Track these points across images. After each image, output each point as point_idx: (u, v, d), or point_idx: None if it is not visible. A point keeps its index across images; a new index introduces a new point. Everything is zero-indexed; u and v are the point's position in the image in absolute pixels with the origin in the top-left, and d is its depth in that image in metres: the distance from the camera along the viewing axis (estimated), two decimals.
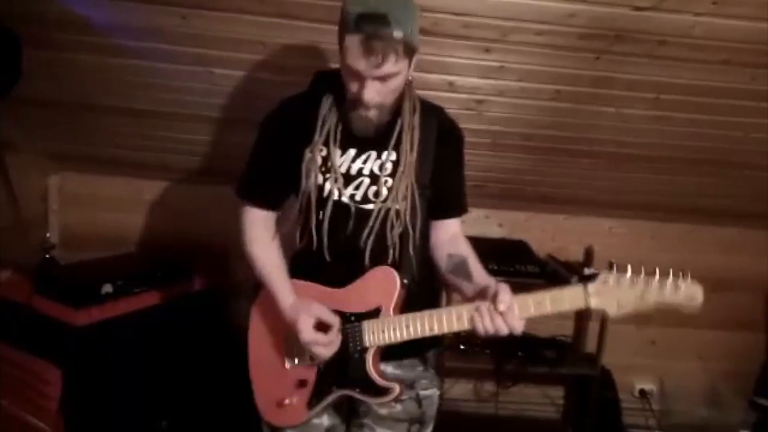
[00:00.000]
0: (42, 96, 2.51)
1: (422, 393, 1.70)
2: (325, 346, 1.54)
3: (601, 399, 3.05)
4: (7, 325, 2.42)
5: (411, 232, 1.59)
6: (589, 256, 3.11)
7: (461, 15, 2.05)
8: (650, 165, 2.79)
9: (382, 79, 1.43)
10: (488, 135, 2.61)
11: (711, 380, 3.33)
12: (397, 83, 1.46)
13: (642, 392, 3.33)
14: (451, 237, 1.70)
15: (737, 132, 2.56)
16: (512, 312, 1.41)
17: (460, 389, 3.29)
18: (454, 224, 1.72)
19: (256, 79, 2.37)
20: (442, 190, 1.66)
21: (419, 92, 1.67)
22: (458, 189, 1.73)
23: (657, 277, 1.37)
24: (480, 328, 1.44)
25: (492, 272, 2.73)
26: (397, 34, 1.37)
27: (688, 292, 1.37)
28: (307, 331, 1.53)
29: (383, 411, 1.67)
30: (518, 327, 1.42)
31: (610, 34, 2.11)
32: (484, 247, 2.93)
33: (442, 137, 1.64)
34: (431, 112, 1.66)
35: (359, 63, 1.39)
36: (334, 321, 1.55)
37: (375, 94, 1.44)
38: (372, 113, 1.49)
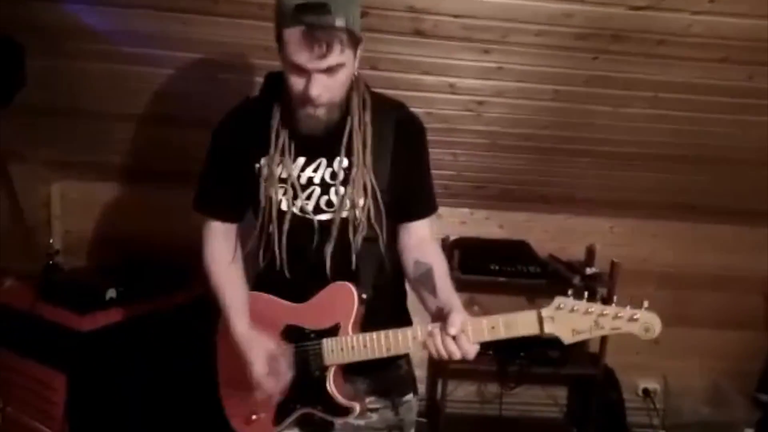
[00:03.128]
0: (45, 104, 2.52)
1: (397, 399, 1.65)
2: (275, 380, 1.52)
3: (604, 399, 3.06)
4: (12, 331, 2.42)
5: (369, 240, 1.52)
6: (590, 256, 3.11)
7: (460, 17, 2.07)
8: (650, 163, 2.80)
9: (328, 71, 1.34)
10: (488, 136, 2.62)
11: (714, 378, 3.33)
12: (343, 76, 1.38)
13: (645, 391, 3.33)
14: (418, 241, 1.60)
15: (736, 130, 2.57)
16: (464, 336, 1.36)
17: (464, 391, 3.29)
18: (420, 226, 1.61)
19: (258, 83, 2.38)
20: (405, 191, 1.56)
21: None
22: (422, 188, 1.63)
23: (613, 305, 1.34)
24: (433, 351, 1.39)
25: (494, 273, 2.80)
26: (339, 22, 1.30)
27: (645, 323, 1.34)
28: (259, 365, 1.51)
29: (360, 422, 1.61)
30: (471, 352, 1.37)
31: (608, 33, 2.13)
32: (486, 249, 2.98)
33: (399, 134, 1.54)
34: (387, 109, 1.56)
35: (302, 56, 1.31)
36: (284, 356, 1.52)
37: (322, 89, 1.35)
38: (320, 111, 1.41)
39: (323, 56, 1.31)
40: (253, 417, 1.61)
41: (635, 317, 1.33)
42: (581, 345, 3.13)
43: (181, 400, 2.57)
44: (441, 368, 3.08)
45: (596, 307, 1.35)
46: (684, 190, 2.99)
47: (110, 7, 2.11)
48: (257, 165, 1.52)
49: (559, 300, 1.37)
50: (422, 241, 1.61)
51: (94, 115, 2.62)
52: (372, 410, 1.62)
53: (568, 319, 1.36)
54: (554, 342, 3.09)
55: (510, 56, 2.24)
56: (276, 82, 1.52)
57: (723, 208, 3.11)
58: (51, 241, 3.01)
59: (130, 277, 2.57)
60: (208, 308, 2.76)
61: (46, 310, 2.35)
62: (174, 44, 2.24)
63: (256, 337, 1.54)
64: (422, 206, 1.63)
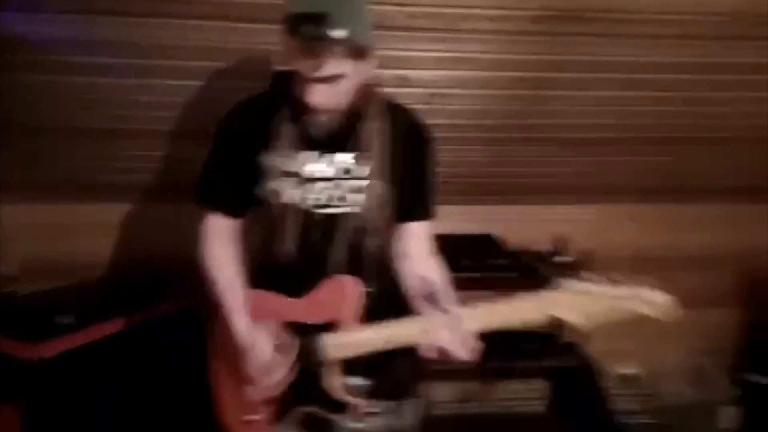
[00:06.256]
0: None
1: (399, 402, 1.65)
2: (275, 377, 1.50)
3: (586, 388, 3.01)
4: None
5: (374, 237, 1.55)
6: (563, 244, 3.06)
7: (406, 5, 2.00)
8: (617, 147, 2.76)
9: (327, 81, 1.38)
10: (449, 129, 2.54)
11: (695, 359, 3.30)
12: (345, 86, 1.41)
13: (627, 377, 3.30)
14: (415, 245, 1.64)
15: (708, 108, 2.54)
16: (461, 325, 1.39)
17: (444, 390, 3.22)
18: (418, 229, 1.66)
19: (215, 88, 2.29)
20: (407, 193, 1.61)
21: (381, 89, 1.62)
22: (423, 192, 1.68)
23: (627, 288, 1.30)
24: (433, 341, 1.40)
25: (464, 268, 2.73)
26: (337, 33, 1.31)
27: (656, 301, 1.31)
28: (259, 362, 1.50)
29: (360, 425, 1.60)
30: (467, 348, 1.39)
31: (566, 15, 2.07)
32: (454, 244, 2.91)
33: (408, 139, 1.61)
34: (398, 114, 1.62)
35: (299, 65, 1.36)
36: (284, 353, 1.50)
37: (321, 96, 1.39)
38: (322, 117, 1.45)
39: (318, 67, 1.34)
40: (250, 418, 1.57)
41: (646, 296, 1.30)
42: (560, 335, 3.11)
43: (149, 423, 2.46)
44: (421, 368, 3.01)
45: (610, 290, 1.31)
46: (654, 172, 2.95)
47: (45, 14, 2.00)
48: (261, 158, 1.52)
49: (567, 282, 1.32)
50: (422, 250, 1.65)
51: (40, 131, 2.49)
52: (373, 414, 1.60)
53: (581, 304, 1.31)
54: (533, 334, 3.07)
55: (466, 44, 2.17)
56: (284, 80, 1.53)
57: (694, 188, 3.09)
58: (4, 267, 2.88)
59: (88, 299, 2.45)
60: (176, 326, 2.69)
61: None
62: (119, 51, 2.13)
63: (257, 334, 1.52)
64: (421, 210, 1.68)
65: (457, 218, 3.09)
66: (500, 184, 2.96)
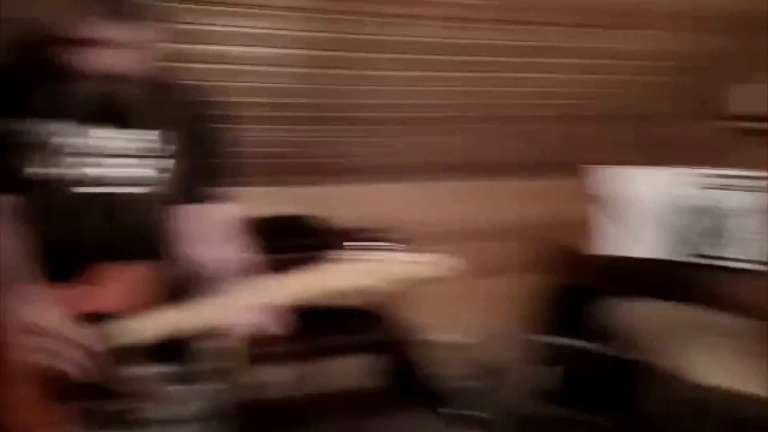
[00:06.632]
0: None
1: (204, 387, 1.59)
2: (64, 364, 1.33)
3: (406, 358, 3.12)
4: None
5: (159, 219, 1.48)
6: (377, 224, 3.10)
7: None
8: (418, 126, 2.85)
9: (123, 46, 1.33)
10: (255, 107, 2.51)
11: (509, 324, 3.47)
12: (139, 52, 1.37)
13: (453, 345, 3.42)
14: (206, 227, 1.57)
15: (503, 87, 2.69)
16: (262, 299, 1.37)
17: (271, 374, 3.15)
18: (209, 210, 1.59)
19: None
20: (195, 174, 1.54)
21: (174, 65, 1.56)
22: (213, 173, 1.61)
23: (405, 253, 1.35)
24: (238, 318, 1.38)
25: (268, 250, 2.70)
26: None
27: (433, 262, 1.35)
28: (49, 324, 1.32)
29: (165, 414, 1.50)
30: (276, 317, 1.38)
31: None
32: (260, 226, 2.83)
33: (195, 117, 1.55)
34: (184, 90, 1.57)
35: (97, 30, 1.31)
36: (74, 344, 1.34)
37: (114, 62, 1.34)
38: (114, 85, 1.38)
39: (118, 32, 1.31)
40: (40, 420, 1.37)
41: (422, 259, 1.34)
42: (384, 309, 3.16)
43: None
44: (246, 352, 2.95)
45: (382, 254, 1.36)
46: (454, 150, 3.09)
47: None
48: (25, 131, 1.37)
49: (339, 253, 1.35)
50: (214, 232, 1.57)
51: None
52: (179, 400, 1.52)
53: (359, 272, 1.34)
54: (356, 310, 3.08)
55: (261, 21, 2.13)
56: (34, 40, 1.46)
57: (500, 164, 3.25)
58: None
59: None
60: None
61: None
62: None
63: (37, 310, 1.33)
64: (209, 191, 1.59)
65: (268, 199, 3.03)
66: (310, 164, 2.97)
